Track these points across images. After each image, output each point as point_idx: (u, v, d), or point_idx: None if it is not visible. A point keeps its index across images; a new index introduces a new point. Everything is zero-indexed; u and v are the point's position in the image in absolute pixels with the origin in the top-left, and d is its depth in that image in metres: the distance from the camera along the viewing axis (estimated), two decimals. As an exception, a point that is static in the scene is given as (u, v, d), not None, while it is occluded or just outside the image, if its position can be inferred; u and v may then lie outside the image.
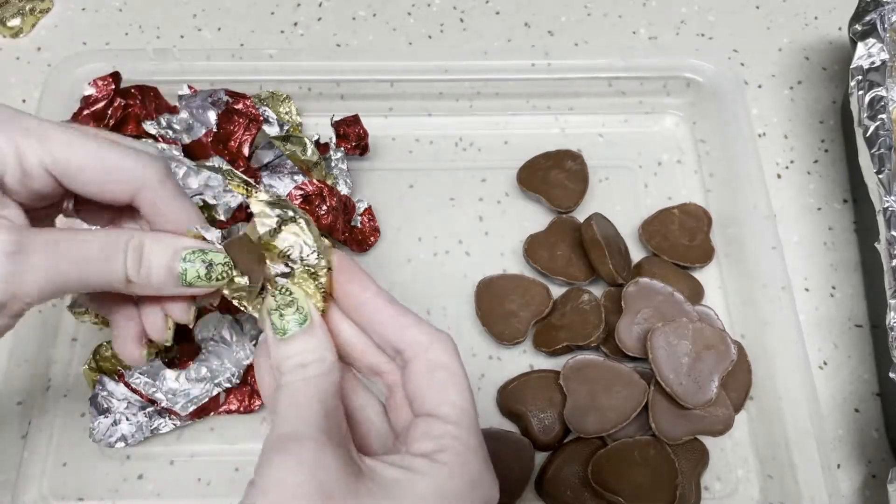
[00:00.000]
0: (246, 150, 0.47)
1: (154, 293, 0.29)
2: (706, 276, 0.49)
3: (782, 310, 0.44)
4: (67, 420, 0.44)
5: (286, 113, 0.52)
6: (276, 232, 0.28)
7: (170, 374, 0.43)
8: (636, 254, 0.50)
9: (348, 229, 0.48)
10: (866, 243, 0.50)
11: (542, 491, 0.42)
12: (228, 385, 0.44)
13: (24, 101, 0.55)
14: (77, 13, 0.60)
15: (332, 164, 0.50)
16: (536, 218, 0.51)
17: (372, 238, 0.50)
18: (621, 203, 0.52)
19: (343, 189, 0.49)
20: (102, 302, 0.32)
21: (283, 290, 0.28)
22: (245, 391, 0.44)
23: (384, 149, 0.53)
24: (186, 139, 0.47)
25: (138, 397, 0.43)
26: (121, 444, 0.43)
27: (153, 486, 0.43)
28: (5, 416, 0.44)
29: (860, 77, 0.47)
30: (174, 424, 0.43)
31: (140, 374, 0.43)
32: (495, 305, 0.47)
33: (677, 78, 0.53)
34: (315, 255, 0.28)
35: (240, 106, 0.48)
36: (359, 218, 0.50)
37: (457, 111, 0.54)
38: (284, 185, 0.48)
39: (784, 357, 0.43)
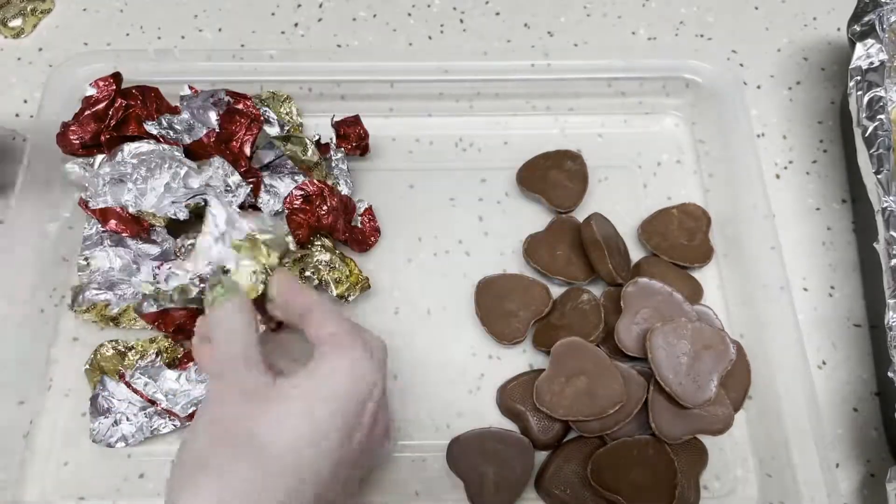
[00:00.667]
0: (248, 150, 0.47)
1: None
2: (705, 275, 0.49)
3: (781, 309, 0.45)
4: (69, 419, 0.44)
5: (287, 113, 0.52)
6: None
7: (170, 374, 0.43)
8: (635, 254, 0.50)
9: (349, 229, 0.49)
10: (865, 243, 0.50)
11: (541, 490, 0.43)
12: (229, 385, 0.44)
13: (25, 101, 0.56)
14: (78, 14, 0.60)
15: (333, 165, 0.50)
16: (536, 218, 0.51)
17: (372, 238, 0.50)
18: (621, 203, 0.52)
19: (343, 189, 0.50)
20: None
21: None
22: (246, 391, 0.44)
23: (384, 149, 0.53)
24: (187, 139, 0.47)
25: (139, 398, 0.43)
26: (121, 445, 0.43)
27: (154, 485, 0.43)
28: (7, 416, 0.44)
29: (859, 77, 0.47)
30: (174, 426, 0.44)
31: (140, 374, 0.43)
32: (495, 305, 0.47)
33: (676, 78, 0.53)
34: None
35: (241, 106, 0.48)
36: (359, 218, 0.50)
37: (457, 111, 0.54)
38: (285, 186, 0.48)
39: (783, 357, 0.43)
